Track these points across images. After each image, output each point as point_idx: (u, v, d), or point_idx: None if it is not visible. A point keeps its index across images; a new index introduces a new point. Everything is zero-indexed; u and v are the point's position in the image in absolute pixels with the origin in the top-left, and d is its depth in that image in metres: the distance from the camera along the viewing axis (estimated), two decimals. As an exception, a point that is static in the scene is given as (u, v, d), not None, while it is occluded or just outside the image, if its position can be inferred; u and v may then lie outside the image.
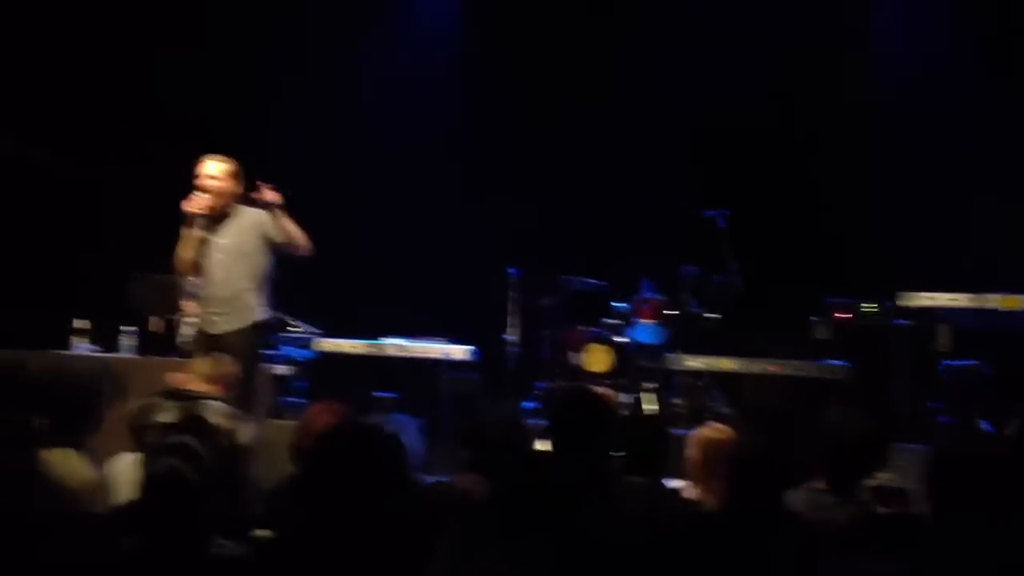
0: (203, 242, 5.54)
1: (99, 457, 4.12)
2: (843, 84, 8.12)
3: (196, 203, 5.49)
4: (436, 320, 7.36)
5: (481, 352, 7.21)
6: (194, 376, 4.29)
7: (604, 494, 2.98)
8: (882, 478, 3.57)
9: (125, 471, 3.72)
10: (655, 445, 3.64)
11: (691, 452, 4.09)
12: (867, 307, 6.74)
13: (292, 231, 5.51)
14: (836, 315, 6.81)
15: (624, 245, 7.94)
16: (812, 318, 6.94)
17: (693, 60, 8.06)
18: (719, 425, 4.39)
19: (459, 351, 6.96)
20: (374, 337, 7.09)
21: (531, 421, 5.93)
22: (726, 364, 6.85)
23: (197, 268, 5.60)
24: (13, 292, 7.22)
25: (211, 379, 4.31)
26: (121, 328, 6.60)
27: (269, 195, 5.45)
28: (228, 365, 4.55)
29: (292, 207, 5.59)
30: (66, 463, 3.23)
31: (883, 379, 6.41)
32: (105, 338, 6.66)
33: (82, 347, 6.61)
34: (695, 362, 6.95)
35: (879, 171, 8.01)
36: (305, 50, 8.45)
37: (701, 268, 7.49)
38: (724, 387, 7.05)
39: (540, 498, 2.26)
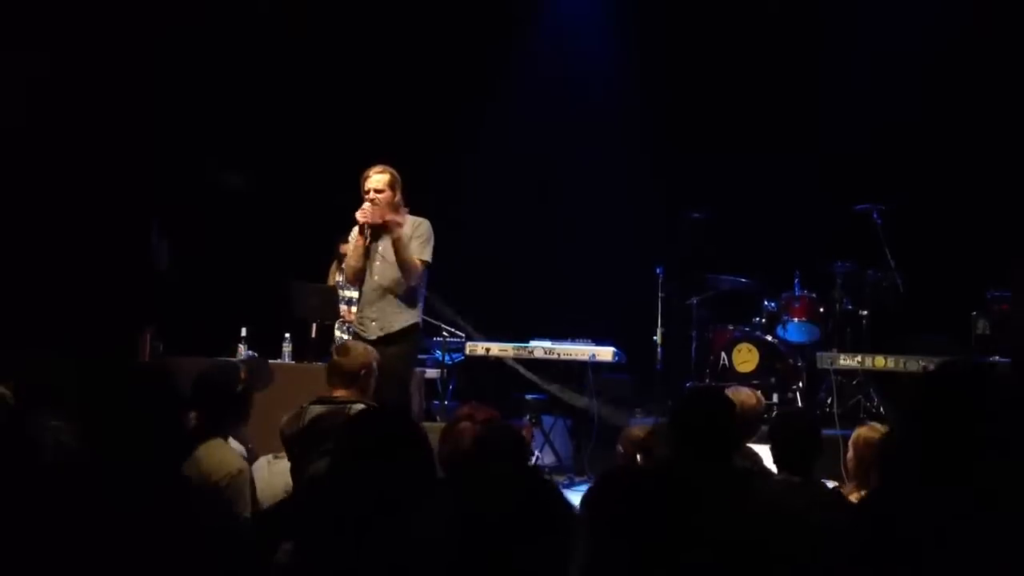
0: (367, 250, 5.74)
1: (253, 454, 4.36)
2: (1004, 70, 7.77)
3: (365, 214, 5.69)
4: (584, 321, 7.40)
5: (629, 353, 7.20)
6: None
7: (730, 496, 2.94)
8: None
9: (264, 473, 3.92)
10: (805, 443, 3.57)
11: (848, 452, 4.02)
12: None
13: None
14: (998, 309, 6.52)
15: (775, 242, 7.79)
16: (973, 313, 6.67)
17: (848, 52, 7.90)
18: (876, 425, 4.31)
19: (606, 352, 6.98)
20: (522, 340, 7.18)
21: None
22: (881, 362, 6.65)
23: (362, 275, 5.80)
24: (192, 304, 7.60)
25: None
26: (286, 335, 6.88)
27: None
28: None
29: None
30: (215, 454, 3.41)
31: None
32: (268, 345, 6.95)
33: (245, 354, 6.90)
34: (849, 361, 6.78)
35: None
36: (456, 59, 8.59)
37: (854, 264, 7.30)
38: (880, 386, 6.84)
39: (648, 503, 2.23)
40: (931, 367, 6.33)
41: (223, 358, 6.28)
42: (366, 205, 5.70)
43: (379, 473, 2.30)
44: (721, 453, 3.04)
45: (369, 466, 2.32)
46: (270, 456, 4.15)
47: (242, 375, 4.15)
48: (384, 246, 5.76)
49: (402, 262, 5.64)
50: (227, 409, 3.73)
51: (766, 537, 2.56)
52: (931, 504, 2.39)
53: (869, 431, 4.14)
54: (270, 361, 6.68)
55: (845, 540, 2.60)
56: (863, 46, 8.01)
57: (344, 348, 4.66)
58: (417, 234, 5.73)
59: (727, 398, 3.38)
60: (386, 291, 5.73)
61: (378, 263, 5.75)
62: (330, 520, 2.26)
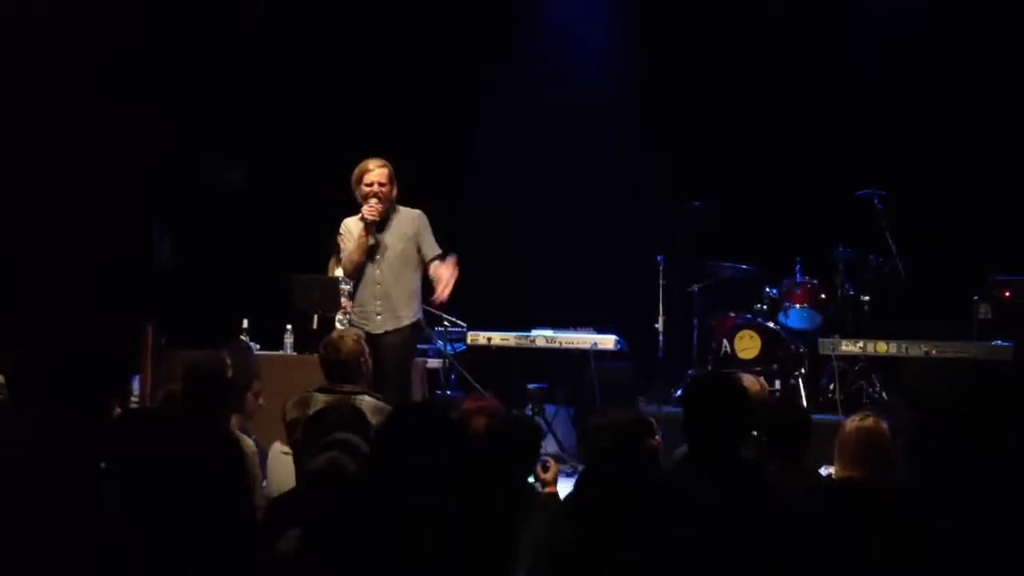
0: (371, 247, 5.73)
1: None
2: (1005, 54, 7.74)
3: (373, 211, 5.67)
4: (586, 310, 7.40)
5: (631, 341, 7.20)
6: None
7: (744, 486, 2.92)
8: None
9: (277, 461, 3.93)
10: (795, 431, 3.59)
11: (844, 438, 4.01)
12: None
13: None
14: (1001, 293, 6.51)
15: (775, 228, 7.78)
16: (975, 297, 6.66)
17: (847, 38, 7.88)
18: (871, 411, 4.31)
19: (607, 341, 6.99)
20: (524, 329, 7.17)
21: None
22: (884, 348, 6.65)
23: (361, 270, 5.79)
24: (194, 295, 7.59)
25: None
26: (287, 327, 6.89)
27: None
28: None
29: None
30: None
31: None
32: (269, 337, 6.96)
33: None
34: (851, 347, 6.78)
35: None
36: (456, 53, 8.55)
37: (856, 250, 7.29)
38: (882, 372, 6.84)
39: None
40: (936, 353, 6.34)
41: (208, 349, 6.29)
42: (372, 201, 5.67)
43: (417, 470, 2.31)
44: (731, 444, 3.00)
45: (408, 463, 2.33)
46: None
47: (227, 363, 4.18)
48: (389, 241, 5.76)
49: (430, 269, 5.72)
50: (222, 398, 3.75)
51: (772, 530, 2.56)
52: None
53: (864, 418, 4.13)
54: (271, 353, 6.71)
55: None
56: (862, 31, 7.98)
57: (334, 344, 4.56)
58: (422, 228, 5.74)
59: (739, 384, 3.33)
60: (391, 287, 5.73)
61: (380, 257, 5.76)
62: (348, 512, 2.26)
